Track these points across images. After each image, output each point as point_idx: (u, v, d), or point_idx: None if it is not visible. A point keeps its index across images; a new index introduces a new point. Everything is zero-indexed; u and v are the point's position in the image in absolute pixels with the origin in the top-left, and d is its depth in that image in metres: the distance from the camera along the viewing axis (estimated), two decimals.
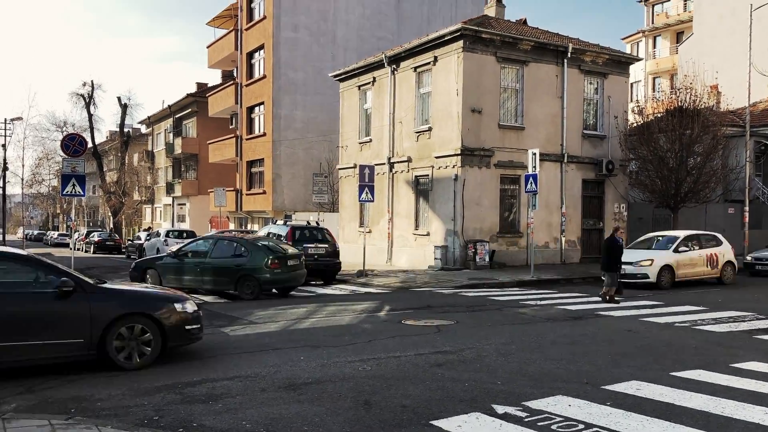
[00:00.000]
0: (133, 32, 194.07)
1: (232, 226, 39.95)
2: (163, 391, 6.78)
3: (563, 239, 23.63)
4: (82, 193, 17.98)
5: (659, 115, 23.99)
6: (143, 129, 62.66)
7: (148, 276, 16.67)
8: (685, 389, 6.74)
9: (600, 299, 14.33)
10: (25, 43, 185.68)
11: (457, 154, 21.88)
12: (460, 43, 21.82)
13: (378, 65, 26.10)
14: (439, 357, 8.45)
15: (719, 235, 19.15)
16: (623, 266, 15.16)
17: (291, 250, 16.55)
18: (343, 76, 28.67)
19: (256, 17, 37.64)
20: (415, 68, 24.16)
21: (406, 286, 17.90)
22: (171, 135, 52.59)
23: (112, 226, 54.78)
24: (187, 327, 8.27)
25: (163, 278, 16.35)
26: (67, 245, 53.23)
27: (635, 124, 25.00)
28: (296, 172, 35.35)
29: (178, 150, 49.59)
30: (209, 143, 43.58)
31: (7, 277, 7.79)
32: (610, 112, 24.67)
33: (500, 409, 6.07)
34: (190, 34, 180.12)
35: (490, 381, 7.15)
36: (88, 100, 50.64)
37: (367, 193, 20.84)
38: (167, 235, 32.51)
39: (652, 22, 51.23)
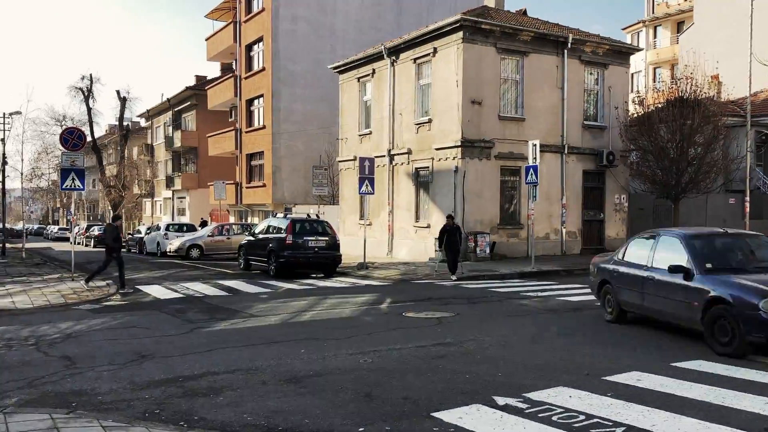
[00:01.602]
0: (122, 25, 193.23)
1: (231, 219, 39.97)
2: (164, 385, 6.79)
3: (564, 230, 23.61)
4: (81, 187, 17.98)
5: (660, 106, 23.88)
6: (142, 122, 62.58)
7: None
8: (686, 379, 6.74)
9: None
10: (19, 37, 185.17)
11: (457, 146, 21.83)
12: (460, 34, 21.73)
13: (377, 57, 26.02)
14: (440, 349, 8.45)
15: None
16: None
17: None
18: (343, 68, 28.59)
19: (255, 9, 37.51)
20: (415, 60, 24.08)
21: (406, 278, 17.91)
22: (170, 128, 52.52)
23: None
24: None
25: None
26: (67, 239, 53.23)
27: (636, 115, 24.91)
28: (296, 164, 35.29)
29: (177, 143, 49.52)
30: (209, 136, 43.52)
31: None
32: (611, 102, 24.60)
33: (501, 400, 6.07)
34: (188, 26, 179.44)
35: (491, 373, 7.15)
36: (87, 94, 50.49)
37: (367, 185, 20.81)
38: (167, 228, 32.50)
39: (653, 12, 51.03)
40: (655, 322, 9.78)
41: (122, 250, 18.24)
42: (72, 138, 17.83)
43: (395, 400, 6.15)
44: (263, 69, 36.01)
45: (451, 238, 17.86)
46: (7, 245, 35.00)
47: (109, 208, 54.87)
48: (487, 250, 21.55)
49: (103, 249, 17.08)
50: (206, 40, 44.43)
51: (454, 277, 17.31)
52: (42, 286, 16.42)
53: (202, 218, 39.23)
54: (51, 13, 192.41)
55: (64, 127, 44.37)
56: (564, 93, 23.58)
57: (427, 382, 6.79)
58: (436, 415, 5.70)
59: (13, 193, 72.19)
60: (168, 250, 29.33)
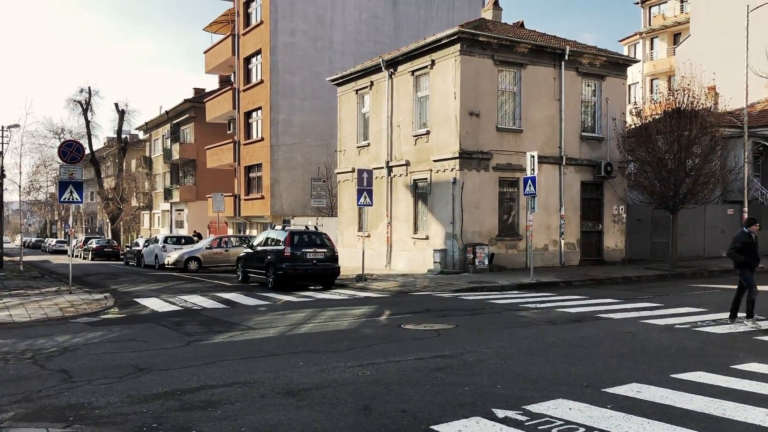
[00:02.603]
0: (121, 38, 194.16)
1: (230, 232, 39.92)
2: (161, 398, 6.74)
3: (562, 242, 23.60)
4: (79, 200, 17.96)
5: (657, 117, 23.97)
6: (141, 135, 62.67)
7: None
8: (686, 391, 6.71)
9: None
10: (19, 50, 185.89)
11: (455, 158, 21.87)
12: (458, 46, 21.82)
13: (375, 69, 26.11)
14: (439, 361, 8.41)
15: None
16: None
17: None
18: (341, 81, 28.68)
19: (253, 22, 37.68)
20: (413, 72, 24.16)
21: (405, 290, 17.86)
22: (169, 141, 52.59)
23: (110, 232, 54.75)
24: None
25: None
26: (65, 252, 53.11)
27: (633, 126, 24.99)
28: (294, 176, 35.33)
29: (175, 156, 49.58)
30: (207, 149, 43.55)
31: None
32: (608, 114, 24.68)
33: (500, 413, 6.04)
34: (186, 39, 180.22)
35: (490, 385, 7.12)
36: (86, 107, 50.66)
37: (365, 197, 20.81)
38: (165, 241, 32.45)
39: (649, 24, 51.34)
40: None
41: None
42: (70, 151, 17.83)
43: (394, 413, 6.11)
44: (261, 81, 36.12)
45: (755, 254, 11.36)
46: (5, 258, 34.90)
47: (107, 220, 54.83)
48: (486, 262, 21.53)
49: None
50: (205, 53, 44.60)
51: (750, 323, 11.02)
52: (39, 299, 16.36)
53: (195, 231, 39.07)
54: (50, 27, 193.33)
55: (62, 139, 44.40)
56: (561, 104, 23.66)
57: (425, 394, 6.75)
58: (435, 427, 5.66)
59: (11, 206, 72.12)
60: (166, 262, 29.28)
